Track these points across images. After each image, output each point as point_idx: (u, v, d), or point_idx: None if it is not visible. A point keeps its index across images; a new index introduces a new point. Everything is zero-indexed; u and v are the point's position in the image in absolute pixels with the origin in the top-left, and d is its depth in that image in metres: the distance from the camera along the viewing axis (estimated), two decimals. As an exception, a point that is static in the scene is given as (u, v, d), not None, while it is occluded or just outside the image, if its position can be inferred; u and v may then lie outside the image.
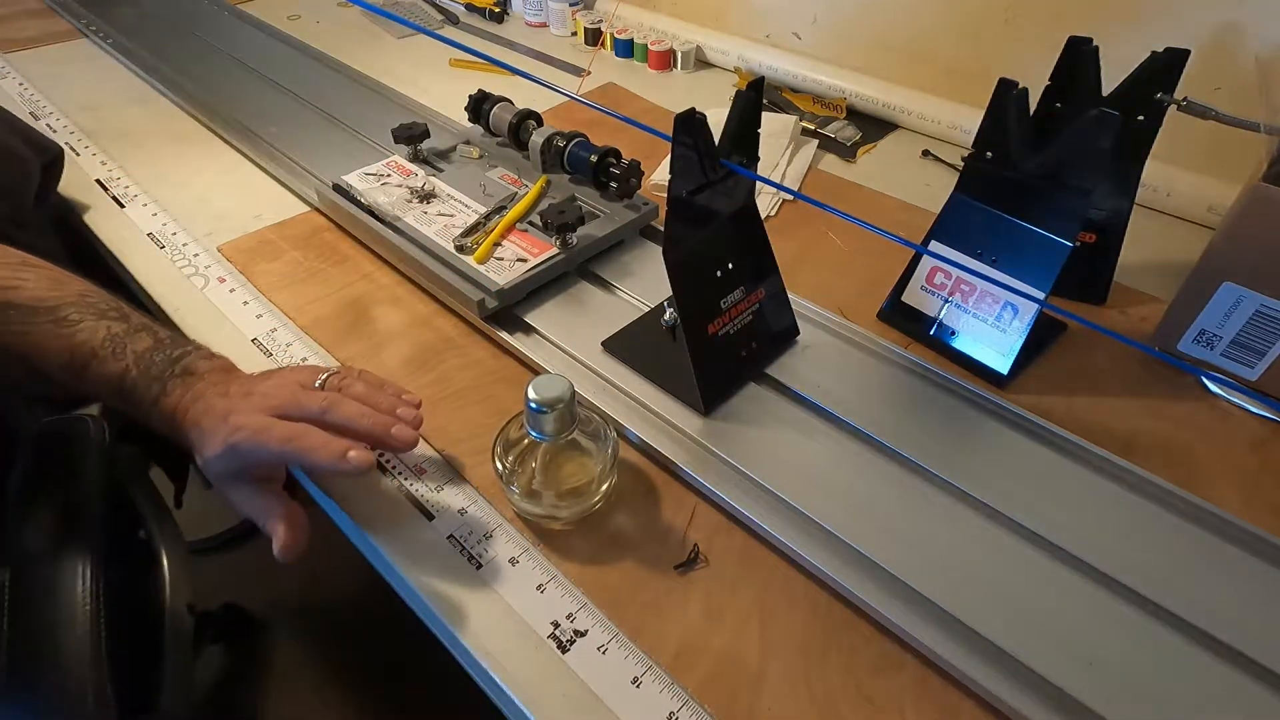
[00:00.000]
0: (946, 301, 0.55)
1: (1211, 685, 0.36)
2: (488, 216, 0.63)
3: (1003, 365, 0.53)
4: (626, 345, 0.54)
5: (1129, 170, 0.57)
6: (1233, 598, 0.40)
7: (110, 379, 0.43)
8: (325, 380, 0.46)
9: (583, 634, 0.40)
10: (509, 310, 0.57)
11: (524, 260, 0.58)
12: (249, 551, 1.09)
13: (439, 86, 0.93)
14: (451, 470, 0.48)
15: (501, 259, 0.58)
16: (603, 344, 0.54)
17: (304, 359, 0.55)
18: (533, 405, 0.41)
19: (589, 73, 1.00)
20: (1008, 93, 0.48)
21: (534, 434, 0.42)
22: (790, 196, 0.73)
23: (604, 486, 0.45)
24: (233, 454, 0.41)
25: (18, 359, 0.43)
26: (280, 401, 0.43)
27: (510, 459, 0.43)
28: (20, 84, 0.90)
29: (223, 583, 1.06)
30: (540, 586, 0.42)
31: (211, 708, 0.94)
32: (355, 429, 0.43)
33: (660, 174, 0.76)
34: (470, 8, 1.17)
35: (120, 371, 0.43)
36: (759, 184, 0.50)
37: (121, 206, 0.71)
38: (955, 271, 0.54)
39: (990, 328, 0.53)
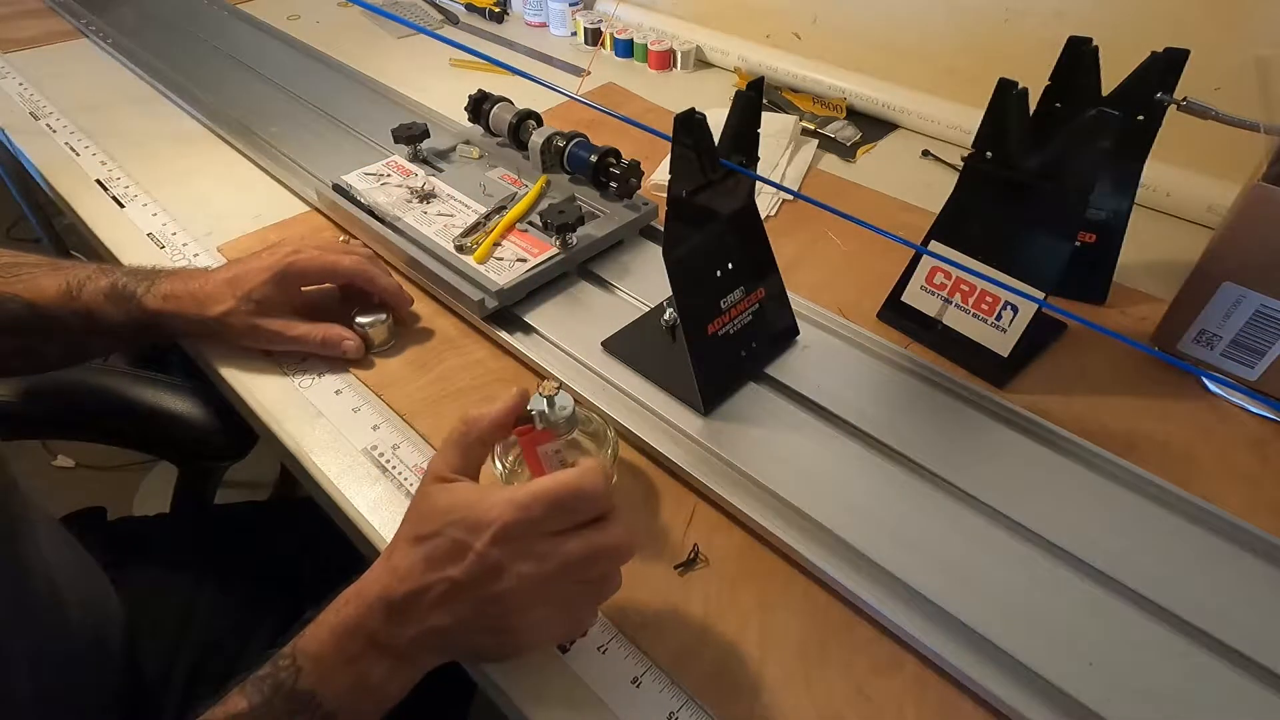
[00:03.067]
0: (946, 301, 0.55)
1: (1211, 685, 0.36)
2: (488, 216, 0.63)
3: (1002, 365, 0.53)
4: (626, 345, 0.54)
5: (1129, 170, 0.57)
6: (1233, 598, 0.40)
7: (103, 289, 0.50)
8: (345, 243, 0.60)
9: (582, 634, 0.40)
10: (509, 310, 0.57)
11: (524, 260, 0.58)
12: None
13: (439, 86, 0.93)
14: (451, 470, 0.48)
15: (501, 259, 0.58)
16: (603, 344, 0.54)
17: (304, 359, 0.55)
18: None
19: (589, 73, 1.00)
20: (1008, 93, 0.48)
21: None
22: (790, 196, 0.73)
23: None
24: (286, 274, 0.51)
25: (22, 303, 0.50)
26: (315, 245, 0.54)
27: (510, 459, 0.43)
28: (20, 84, 0.90)
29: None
30: (540, 586, 0.42)
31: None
32: (379, 284, 0.55)
33: (660, 174, 0.76)
34: (470, 8, 1.17)
35: (111, 282, 0.51)
36: (759, 184, 0.50)
37: (121, 206, 0.71)
38: (955, 271, 0.54)
39: (990, 328, 0.53)
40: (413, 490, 0.46)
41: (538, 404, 0.41)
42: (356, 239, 0.65)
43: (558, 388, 0.41)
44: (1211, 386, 0.54)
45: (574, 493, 0.33)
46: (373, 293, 0.55)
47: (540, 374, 0.54)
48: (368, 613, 0.33)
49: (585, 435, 0.44)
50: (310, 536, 0.59)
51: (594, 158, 0.65)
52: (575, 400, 0.42)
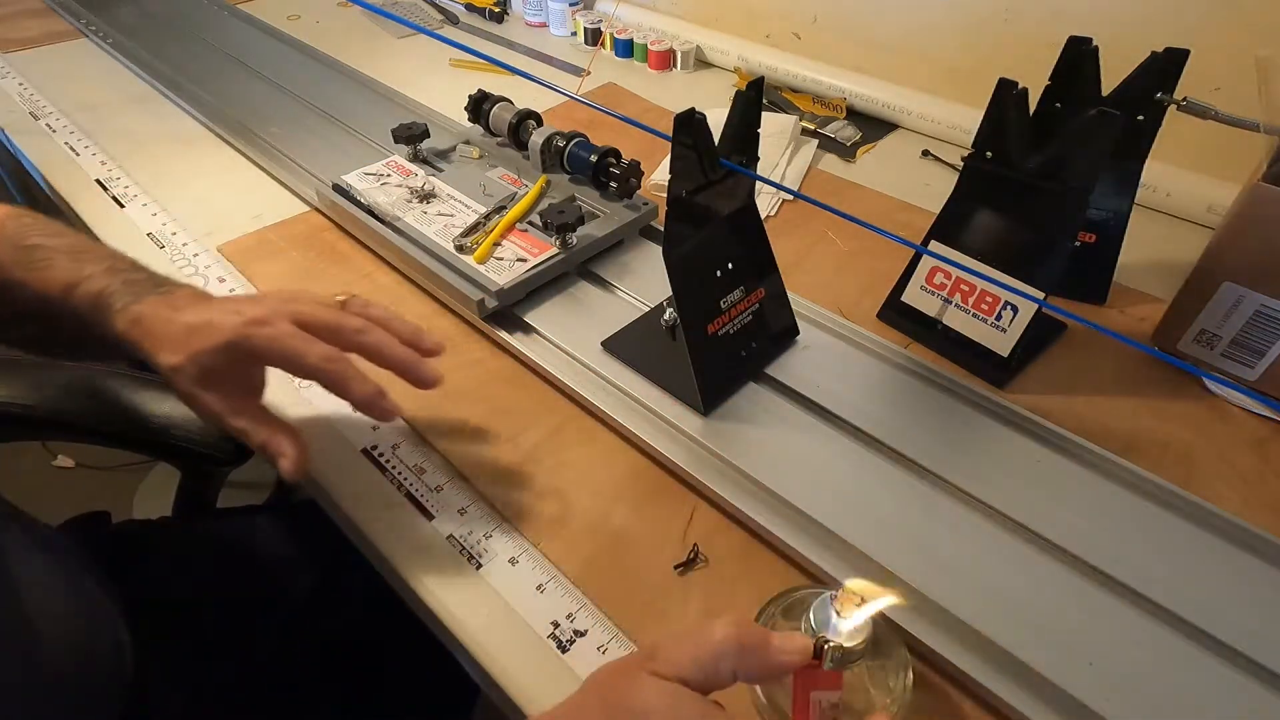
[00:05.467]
0: (946, 301, 0.55)
1: (1211, 684, 0.36)
2: (487, 216, 0.63)
3: (1002, 365, 0.53)
4: (626, 345, 0.54)
5: (1129, 170, 0.57)
6: (1233, 598, 0.40)
7: (93, 294, 0.43)
8: (345, 301, 0.45)
9: (583, 634, 0.40)
10: (509, 310, 0.57)
11: (524, 260, 0.58)
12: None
13: (439, 86, 0.93)
14: (451, 469, 0.48)
15: (501, 259, 0.58)
16: (603, 344, 0.54)
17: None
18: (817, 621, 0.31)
19: (589, 73, 1.00)
20: (1008, 93, 0.48)
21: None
22: (790, 196, 0.73)
23: None
24: (237, 350, 0.40)
25: (31, 293, 0.44)
26: (303, 309, 0.42)
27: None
28: (20, 84, 0.90)
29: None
30: (540, 586, 0.42)
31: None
32: (385, 356, 0.43)
33: (660, 174, 0.76)
34: (470, 8, 1.17)
35: (104, 287, 0.44)
36: (759, 184, 0.50)
37: (121, 206, 0.71)
38: (955, 271, 0.54)
39: (990, 328, 0.53)
40: (412, 491, 0.46)
41: (822, 614, 0.31)
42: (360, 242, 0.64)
43: (860, 601, 0.31)
44: (1211, 386, 0.54)
45: None
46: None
47: (544, 376, 0.54)
48: None
49: (869, 667, 0.34)
50: (312, 539, 0.59)
51: (594, 158, 0.65)
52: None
